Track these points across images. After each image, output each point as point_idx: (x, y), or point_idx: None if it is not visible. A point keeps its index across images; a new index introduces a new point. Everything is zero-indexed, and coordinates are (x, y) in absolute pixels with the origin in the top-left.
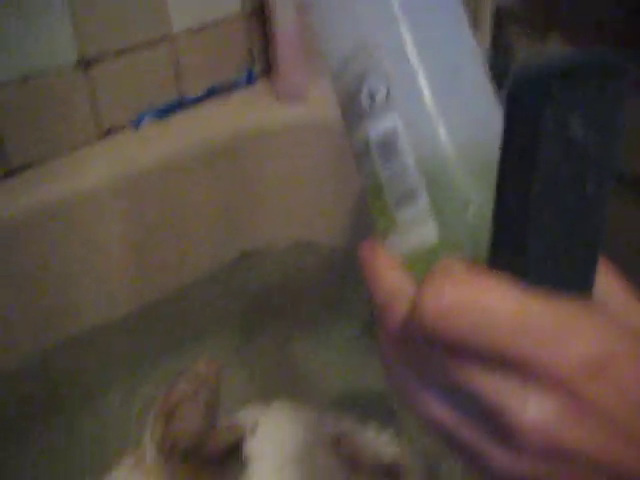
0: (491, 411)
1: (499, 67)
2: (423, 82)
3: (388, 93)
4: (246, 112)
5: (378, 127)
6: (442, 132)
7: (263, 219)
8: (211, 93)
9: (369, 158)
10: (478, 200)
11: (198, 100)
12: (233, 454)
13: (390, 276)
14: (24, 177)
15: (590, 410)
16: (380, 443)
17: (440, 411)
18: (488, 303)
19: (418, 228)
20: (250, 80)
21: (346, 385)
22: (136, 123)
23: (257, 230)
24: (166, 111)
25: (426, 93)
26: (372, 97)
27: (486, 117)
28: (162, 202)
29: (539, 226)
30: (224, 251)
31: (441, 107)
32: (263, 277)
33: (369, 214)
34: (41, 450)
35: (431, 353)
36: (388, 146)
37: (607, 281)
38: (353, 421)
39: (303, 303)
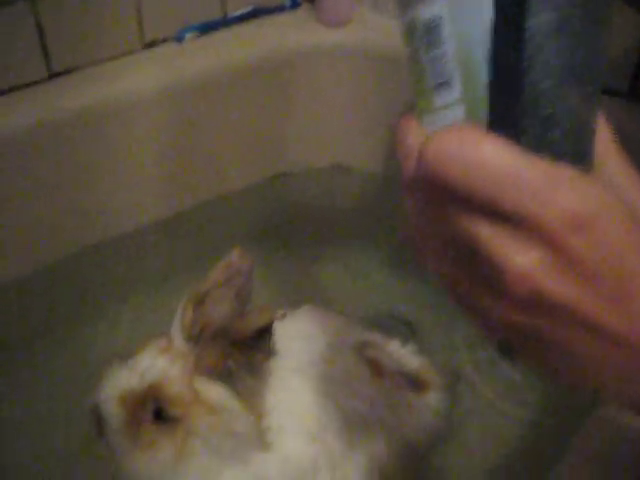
0: (484, 259)
1: None
2: None
3: None
4: (288, 35)
5: (427, 12)
6: (477, 30)
7: (299, 141)
8: (255, 14)
9: (415, 40)
10: None
11: (241, 19)
12: (262, 338)
13: (414, 136)
14: (67, 81)
15: (572, 263)
16: (403, 354)
17: (445, 263)
18: (483, 154)
19: (450, 112)
20: (294, 4)
21: (371, 306)
22: (179, 37)
23: (292, 151)
24: (209, 27)
25: None
26: None
27: None
28: (200, 115)
29: (533, 78)
30: (258, 170)
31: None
32: (296, 198)
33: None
34: (74, 345)
35: (433, 199)
36: (433, 32)
37: (603, 142)
38: (377, 334)
39: (334, 225)
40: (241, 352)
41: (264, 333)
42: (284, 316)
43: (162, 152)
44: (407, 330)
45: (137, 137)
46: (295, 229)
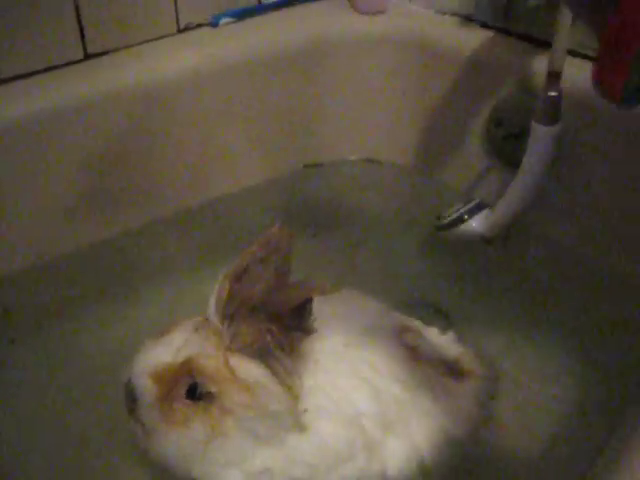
0: None
1: None
2: None
3: None
4: (323, 23)
5: None
6: None
7: (331, 132)
8: (290, 1)
9: None
10: None
11: (277, 6)
12: (301, 313)
13: None
14: (102, 62)
15: None
16: (442, 342)
17: None
18: None
19: None
20: None
21: (404, 296)
22: (214, 22)
23: (324, 142)
24: (244, 13)
25: None
26: None
27: None
28: (233, 102)
29: None
30: (289, 159)
31: None
32: (327, 189)
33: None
34: (102, 327)
35: None
36: None
37: None
38: (416, 320)
39: (365, 216)
40: (279, 328)
41: (304, 308)
42: (326, 290)
43: (193, 138)
44: (443, 320)
45: (169, 121)
46: (326, 219)
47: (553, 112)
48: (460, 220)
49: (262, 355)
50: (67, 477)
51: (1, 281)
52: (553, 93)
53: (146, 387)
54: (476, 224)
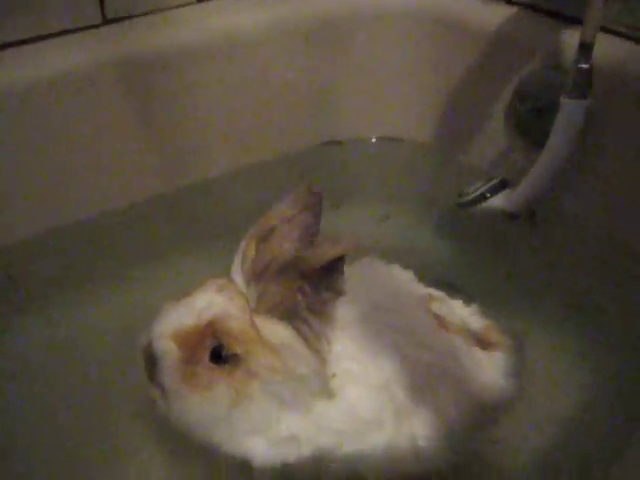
0: None
1: None
2: None
3: None
4: None
5: None
6: None
7: (349, 109)
8: None
9: None
10: None
11: None
12: (331, 273)
13: None
14: (120, 28)
15: None
16: (468, 313)
17: None
18: None
19: None
20: None
21: (423, 272)
22: None
23: (344, 119)
24: None
25: None
26: None
27: None
28: (250, 72)
29: None
30: (309, 135)
31: None
32: (346, 165)
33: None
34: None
35: None
36: None
37: None
38: (440, 291)
39: (383, 192)
40: (309, 287)
41: (335, 267)
42: (356, 247)
43: (210, 109)
44: (463, 297)
45: (185, 90)
46: (344, 195)
47: (583, 85)
48: (482, 198)
49: (290, 317)
50: (79, 448)
51: (8, 249)
52: (584, 65)
53: (168, 350)
54: (499, 202)
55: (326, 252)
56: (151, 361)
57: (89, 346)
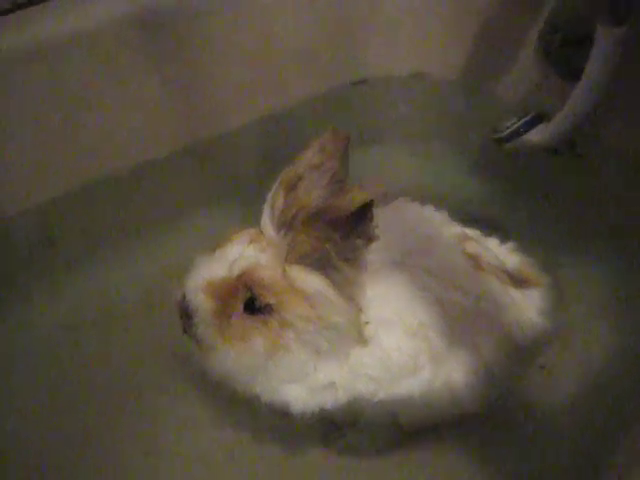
0: None
1: None
2: None
3: None
4: None
5: None
6: None
7: (377, 46)
8: None
9: None
10: None
11: None
12: (362, 218)
13: None
14: None
15: None
16: (503, 251)
17: None
18: None
19: None
20: None
21: (461, 206)
22: None
23: (373, 58)
24: None
25: None
26: None
27: None
28: (274, 12)
29: None
30: (338, 74)
31: None
32: (376, 104)
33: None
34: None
35: None
36: None
37: None
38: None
39: (414, 129)
40: (339, 235)
41: (365, 213)
42: (385, 196)
43: (238, 52)
44: (499, 234)
45: (214, 29)
46: (374, 132)
47: (622, 11)
48: (518, 133)
49: (322, 265)
50: (116, 405)
51: (42, 208)
52: None
53: (202, 303)
54: (535, 136)
55: (354, 199)
56: (186, 315)
57: (124, 300)
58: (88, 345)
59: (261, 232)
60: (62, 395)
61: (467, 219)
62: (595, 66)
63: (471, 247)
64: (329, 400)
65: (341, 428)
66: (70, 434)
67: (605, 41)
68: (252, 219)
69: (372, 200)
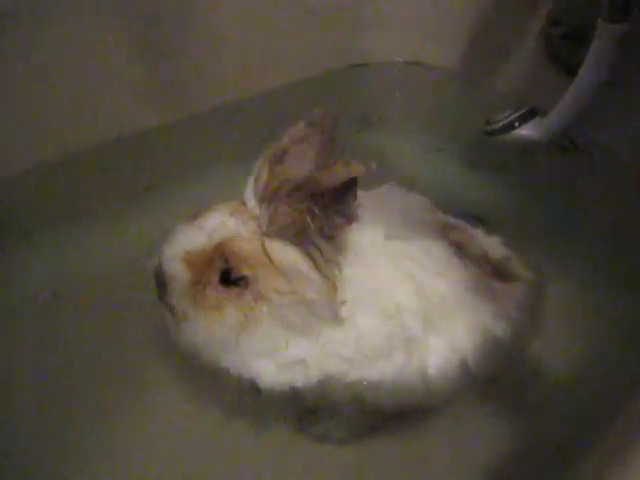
0: None
1: None
2: None
3: None
4: None
5: None
6: None
7: (377, 32)
8: None
9: None
10: None
11: None
12: (344, 196)
13: None
14: None
15: None
16: (488, 243)
17: None
18: None
19: None
20: None
21: (449, 197)
22: None
23: (370, 42)
24: None
25: None
26: None
27: None
28: None
29: None
30: (334, 58)
31: None
32: (371, 89)
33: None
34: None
35: None
36: None
37: None
38: (461, 220)
39: (407, 116)
40: (318, 210)
41: (348, 191)
42: (373, 171)
43: (237, 30)
44: (486, 227)
45: (211, 9)
46: (370, 117)
47: (622, 7)
48: (511, 126)
49: (300, 241)
50: (91, 372)
51: (19, 178)
52: None
53: (177, 271)
54: (528, 130)
55: (338, 174)
56: (161, 282)
57: (102, 271)
58: (73, 311)
59: (242, 204)
60: (48, 355)
61: (455, 209)
62: (592, 62)
63: (455, 235)
64: (299, 377)
65: (315, 412)
66: (54, 395)
67: (604, 36)
68: (238, 191)
69: (355, 177)
